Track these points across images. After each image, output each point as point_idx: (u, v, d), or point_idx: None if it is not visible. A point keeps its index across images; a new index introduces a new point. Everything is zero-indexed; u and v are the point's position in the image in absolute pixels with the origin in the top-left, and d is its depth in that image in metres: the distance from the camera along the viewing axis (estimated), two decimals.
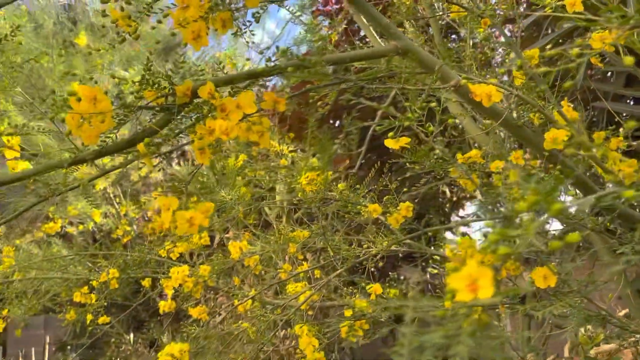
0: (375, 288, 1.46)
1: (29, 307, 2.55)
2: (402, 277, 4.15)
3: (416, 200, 2.42)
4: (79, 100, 0.80)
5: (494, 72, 1.55)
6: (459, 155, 1.31)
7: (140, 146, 0.88)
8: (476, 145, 2.14)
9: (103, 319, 2.40)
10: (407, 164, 1.21)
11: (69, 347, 7.79)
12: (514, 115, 1.28)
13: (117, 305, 5.51)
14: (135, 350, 6.15)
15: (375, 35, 1.63)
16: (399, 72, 1.09)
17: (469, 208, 3.85)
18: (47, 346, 8.05)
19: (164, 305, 2.44)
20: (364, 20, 1.70)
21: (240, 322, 1.95)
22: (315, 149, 0.76)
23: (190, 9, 0.84)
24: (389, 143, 0.92)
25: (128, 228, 4.37)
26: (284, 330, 3.04)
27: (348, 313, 1.38)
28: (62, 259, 2.69)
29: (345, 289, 1.74)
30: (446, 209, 3.65)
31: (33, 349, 8.04)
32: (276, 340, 2.76)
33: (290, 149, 3.15)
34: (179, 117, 0.93)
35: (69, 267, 2.58)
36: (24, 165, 0.98)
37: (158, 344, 6.35)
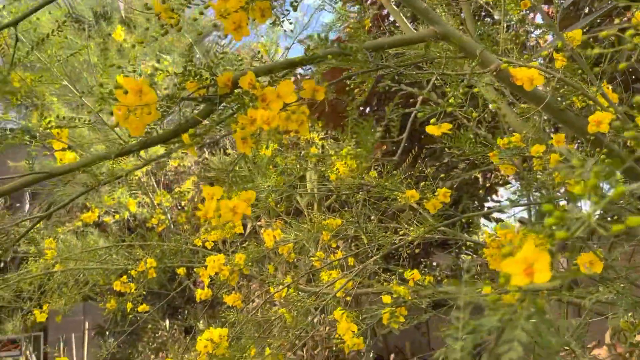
0: (414, 274, 1.46)
1: (70, 297, 2.63)
2: (435, 264, 4.13)
3: (454, 187, 2.39)
4: (126, 93, 0.82)
5: (530, 55, 1.52)
6: (499, 140, 1.29)
7: (185, 137, 0.90)
8: (511, 130, 2.10)
9: (142, 307, 2.46)
10: (446, 149, 1.20)
11: (107, 333, 8.03)
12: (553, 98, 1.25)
13: (153, 292, 5.65)
14: (172, 336, 6.30)
15: (406, 21, 1.61)
16: (438, 57, 1.08)
17: (503, 194, 3.80)
18: (86, 332, 8.33)
19: (201, 294, 2.49)
20: (394, 7, 1.68)
21: (275, 308, 1.97)
22: (357, 137, 0.76)
23: (231, 0, 0.85)
24: (431, 129, 0.91)
25: (162, 217, 4.46)
26: (317, 317, 3.07)
27: (387, 299, 1.39)
28: (100, 249, 2.76)
29: (381, 275, 1.75)
30: (480, 195, 3.60)
31: (73, 335, 8.34)
32: (311, 326, 2.78)
33: (320, 136, 3.15)
34: (220, 108, 0.94)
35: (106, 258, 2.64)
36: (71, 157, 1.01)
37: (194, 330, 6.50)
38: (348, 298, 1.78)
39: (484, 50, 1.02)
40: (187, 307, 6.90)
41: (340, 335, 1.37)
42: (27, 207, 6.57)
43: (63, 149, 1.07)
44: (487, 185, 3.57)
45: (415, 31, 1.88)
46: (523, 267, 0.48)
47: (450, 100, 0.87)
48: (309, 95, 0.99)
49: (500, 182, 3.59)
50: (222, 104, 0.96)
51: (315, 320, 3.10)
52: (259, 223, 4.38)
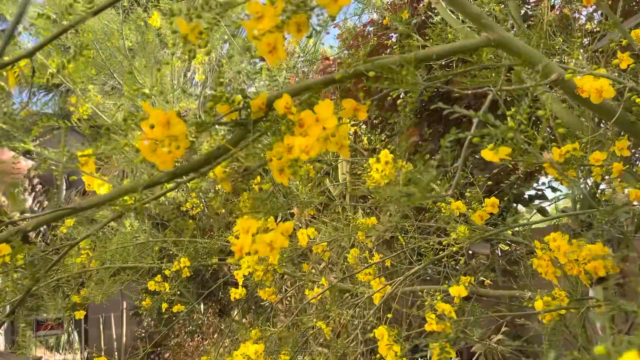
0: (459, 290, 1.37)
1: (108, 293, 2.64)
2: (470, 252, 4.02)
3: (489, 175, 2.26)
4: (152, 127, 0.75)
5: (591, 56, 1.38)
6: (554, 150, 1.18)
7: (218, 170, 0.82)
8: (558, 121, 1.96)
9: (177, 308, 2.45)
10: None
11: (144, 313, 8.21)
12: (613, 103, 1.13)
13: (189, 277, 5.70)
14: (207, 319, 6.39)
15: (452, 16, 1.48)
16: (494, 65, 0.97)
17: (544, 180, 3.63)
18: (124, 311, 8.57)
19: (235, 293, 2.46)
20: (442, 4, 1.55)
21: (313, 319, 1.92)
22: (410, 173, 0.67)
23: (264, 19, 0.76)
24: (487, 155, 0.81)
25: (196, 201, 4.44)
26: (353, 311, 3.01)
27: (431, 318, 1.31)
28: (135, 243, 2.75)
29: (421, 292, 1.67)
30: (519, 182, 3.45)
31: (112, 314, 8.61)
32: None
33: (351, 123, 3.05)
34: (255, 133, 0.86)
35: (140, 255, 2.63)
36: (104, 188, 0.96)
37: (227, 311, 6.57)
38: (389, 315, 1.71)
39: (546, 60, 0.90)
40: (222, 290, 6.98)
41: (382, 355, 1.30)
42: (64, 193, 6.69)
43: (92, 173, 1.01)
44: (527, 171, 3.42)
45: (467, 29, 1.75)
46: None
47: (510, 124, 0.77)
48: (350, 115, 0.91)
49: (540, 169, 3.42)
50: (256, 128, 0.88)
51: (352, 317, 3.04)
52: (291, 211, 4.33)
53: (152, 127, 0.75)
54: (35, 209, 6.36)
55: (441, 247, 1.60)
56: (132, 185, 0.85)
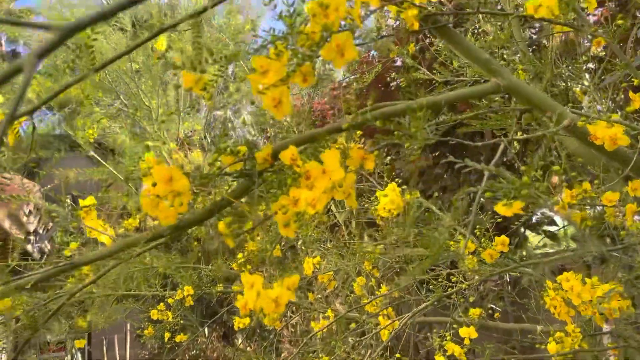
0: (469, 332, 1.34)
1: (111, 320, 2.61)
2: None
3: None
4: (154, 185, 0.73)
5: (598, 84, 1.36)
6: (566, 192, 1.15)
7: (221, 226, 0.80)
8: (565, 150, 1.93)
9: (180, 337, 2.41)
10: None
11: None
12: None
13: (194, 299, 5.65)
14: (211, 343, 6.32)
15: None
16: (502, 109, 0.95)
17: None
18: (127, 333, 8.50)
19: (239, 322, 2.42)
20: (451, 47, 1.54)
21: (320, 355, 1.88)
22: (424, 244, 0.65)
23: (269, 73, 0.74)
24: (500, 210, 0.79)
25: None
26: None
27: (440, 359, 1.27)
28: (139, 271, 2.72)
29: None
30: (528, 208, 3.41)
31: (115, 336, 8.54)
32: None
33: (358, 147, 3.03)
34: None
35: (145, 281, 2.60)
36: (105, 240, 0.94)
37: (231, 335, 6.49)
38: (398, 356, 1.67)
39: (558, 107, 0.88)
40: (226, 313, 6.92)
41: None
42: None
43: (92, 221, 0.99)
44: None
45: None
46: None
47: (525, 180, 0.74)
48: (357, 164, 0.88)
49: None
50: (261, 178, 0.86)
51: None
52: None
53: (154, 184, 0.73)
54: (40, 231, 6.36)
55: (450, 283, 1.57)
56: (134, 240, 0.83)
